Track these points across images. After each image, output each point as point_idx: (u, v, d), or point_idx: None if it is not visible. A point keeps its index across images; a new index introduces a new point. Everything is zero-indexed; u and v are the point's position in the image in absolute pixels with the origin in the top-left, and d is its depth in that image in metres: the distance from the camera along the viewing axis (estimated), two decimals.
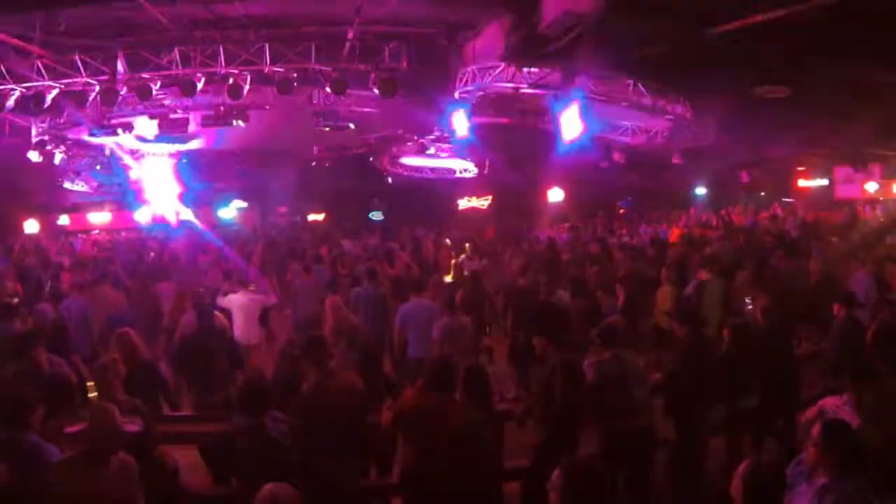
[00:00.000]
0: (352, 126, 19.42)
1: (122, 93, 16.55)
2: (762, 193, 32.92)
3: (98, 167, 29.34)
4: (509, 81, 16.40)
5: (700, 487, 9.03)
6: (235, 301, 14.31)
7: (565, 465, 5.33)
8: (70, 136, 23.66)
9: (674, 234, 22.97)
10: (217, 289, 15.22)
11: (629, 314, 12.62)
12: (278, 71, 15.99)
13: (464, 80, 17.38)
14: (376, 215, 37.83)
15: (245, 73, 16.01)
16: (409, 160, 31.05)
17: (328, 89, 16.27)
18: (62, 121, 20.95)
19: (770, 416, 10.33)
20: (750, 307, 13.64)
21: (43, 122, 20.75)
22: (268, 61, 15.75)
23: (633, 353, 9.93)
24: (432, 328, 12.36)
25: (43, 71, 16.10)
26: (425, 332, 12.52)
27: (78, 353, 13.53)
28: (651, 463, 8.96)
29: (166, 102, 17.84)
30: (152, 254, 22.87)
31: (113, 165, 29.60)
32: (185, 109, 18.44)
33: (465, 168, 31.84)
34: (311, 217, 39.09)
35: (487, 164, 29.81)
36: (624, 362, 9.28)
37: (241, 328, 14.07)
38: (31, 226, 33.76)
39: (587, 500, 5.13)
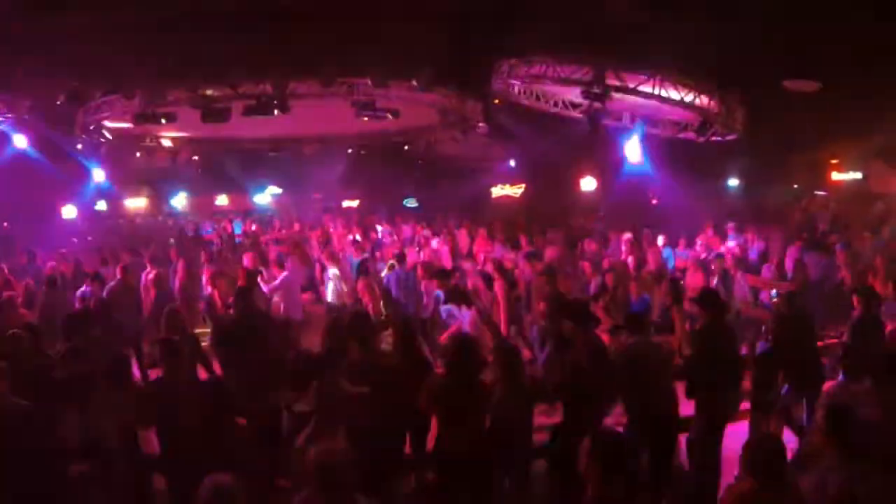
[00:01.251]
0: (390, 116, 19.67)
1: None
2: (795, 186, 32.88)
3: (138, 154, 29.61)
4: (541, 76, 16.70)
5: (719, 470, 9.39)
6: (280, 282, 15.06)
7: (595, 433, 5.70)
8: (112, 125, 24.07)
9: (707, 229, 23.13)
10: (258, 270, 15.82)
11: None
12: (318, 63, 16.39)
13: (499, 71, 17.73)
14: (410, 202, 37.95)
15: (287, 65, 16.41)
16: (445, 149, 31.17)
17: (369, 81, 16.55)
18: (107, 112, 21.30)
19: (792, 401, 10.72)
20: (775, 299, 14.00)
21: (87, 111, 21.07)
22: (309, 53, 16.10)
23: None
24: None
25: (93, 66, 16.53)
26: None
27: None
28: (674, 444, 9.28)
29: (208, 92, 18.12)
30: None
31: (151, 154, 29.98)
32: (227, 99, 18.76)
33: (498, 156, 31.96)
34: (346, 203, 39.30)
35: (521, 152, 29.97)
36: (649, 346, 9.69)
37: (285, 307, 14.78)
38: (69, 211, 34.12)
39: (613, 464, 5.47)
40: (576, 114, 19.54)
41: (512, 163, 32.04)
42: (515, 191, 35.38)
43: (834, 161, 29.58)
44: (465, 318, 13.10)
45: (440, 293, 14.19)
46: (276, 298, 15.56)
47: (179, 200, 38.46)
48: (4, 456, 6.51)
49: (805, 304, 12.36)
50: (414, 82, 16.71)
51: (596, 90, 15.84)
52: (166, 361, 8.71)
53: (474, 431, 7.95)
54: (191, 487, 6.47)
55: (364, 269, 17.00)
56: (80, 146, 24.46)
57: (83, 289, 15.68)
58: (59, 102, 17.44)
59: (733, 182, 31.60)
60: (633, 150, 17.68)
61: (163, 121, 19.08)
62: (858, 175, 29.18)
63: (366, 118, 19.41)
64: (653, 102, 17.35)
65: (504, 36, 17.07)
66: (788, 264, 16.86)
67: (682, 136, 19.94)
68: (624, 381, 9.28)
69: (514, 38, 17.00)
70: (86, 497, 5.27)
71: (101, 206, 37.60)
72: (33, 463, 6.22)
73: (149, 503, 7.99)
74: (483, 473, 7.89)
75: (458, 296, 13.46)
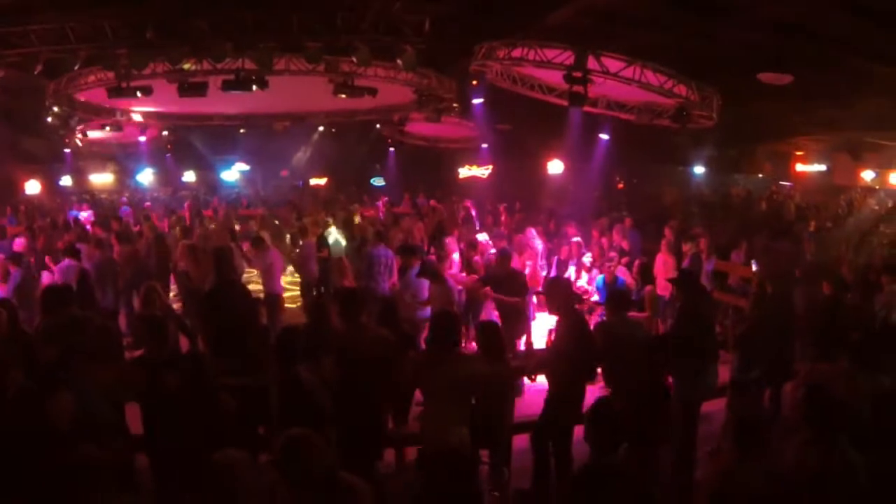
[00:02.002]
0: (368, 94, 19.69)
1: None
2: (760, 175, 33.27)
3: (107, 129, 29.38)
4: (522, 59, 16.81)
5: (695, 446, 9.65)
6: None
7: (595, 401, 5.86)
8: (83, 99, 23.94)
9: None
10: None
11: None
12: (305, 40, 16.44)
13: (479, 54, 17.83)
14: (378, 181, 37.98)
15: (272, 42, 16.43)
16: (415, 129, 31.21)
17: (354, 59, 16.56)
18: (78, 83, 21.16)
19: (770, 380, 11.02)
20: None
21: (58, 84, 20.92)
22: (295, 30, 16.13)
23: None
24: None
25: (71, 35, 16.43)
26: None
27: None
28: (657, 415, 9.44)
29: (186, 66, 18.04)
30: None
31: (121, 128, 29.77)
32: (205, 74, 18.69)
33: (467, 137, 32.01)
34: (314, 182, 39.24)
35: (491, 133, 30.09)
36: (629, 324, 9.94)
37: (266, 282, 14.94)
38: (33, 186, 33.87)
39: (609, 429, 5.62)
40: (553, 98, 19.64)
41: (485, 145, 32.12)
42: (483, 172, 35.43)
43: (799, 153, 29.89)
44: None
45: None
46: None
47: (145, 176, 38.21)
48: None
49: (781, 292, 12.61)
50: (399, 62, 16.73)
51: (577, 74, 15.96)
52: (150, 337, 8.76)
53: (457, 407, 8.05)
54: (175, 466, 6.56)
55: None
56: (49, 119, 24.22)
57: (65, 262, 15.61)
58: (36, 72, 17.23)
59: (699, 170, 31.82)
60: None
61: (138, 94, 18.94)
62: (823, 167, 29.49)
63: (343, 96, 19.37)
64: (627, 88, 17.48)
65: (484, 17, 17.25)
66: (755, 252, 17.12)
67: (657, 123, 20.02)
68: (606, 356, 9.47)
69: (493, 20, 17.19)
70: (84, 480, 5.24)
71: (66, 181, 37.35)
72: (33, 448, 6.15)
73: (134, 481, 7.99)
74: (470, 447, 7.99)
75: (430, 272, 13.53)
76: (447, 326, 8.34)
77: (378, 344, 8.55)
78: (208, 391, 7.41)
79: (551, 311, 10.35)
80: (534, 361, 10.59)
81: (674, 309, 13.01)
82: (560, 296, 9.83)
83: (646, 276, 16.71)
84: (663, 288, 15.93)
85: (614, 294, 11.16)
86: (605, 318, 10.95)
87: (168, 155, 37.11)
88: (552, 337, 9.87)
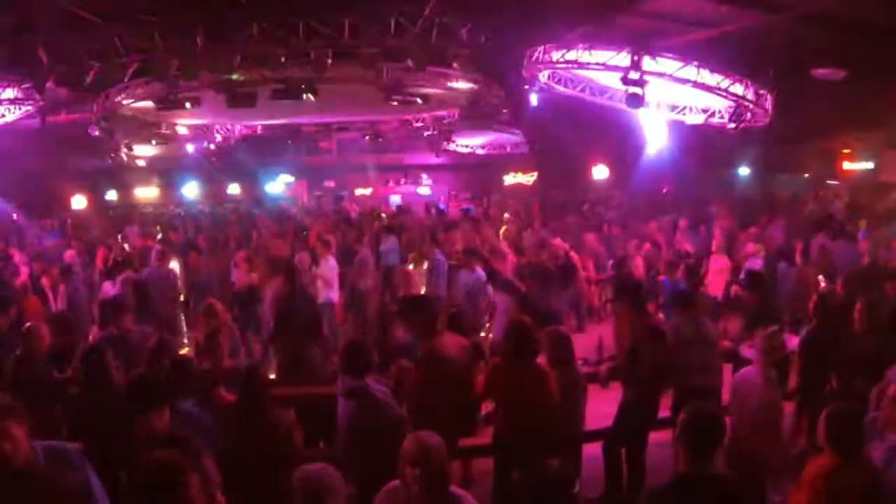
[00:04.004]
0: (419, 101, 19.61)
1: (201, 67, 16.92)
2: (806, 175, 32.87)
3: (153, 142, 29.52)
4: (577, 61, 16.68)
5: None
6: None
7: (689, 408, 5.66)
8: (130, 112, 24.02)
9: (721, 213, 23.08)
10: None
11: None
12: (358, 46, 16.38)
13: (532, 58, 17.69)
14: (424, 190, 37.93)
15: (326, 48, 16.35)
16: (462, 136, 31.17)
17: (409, 63, 16.46)
18: (124, 96, 21.23)
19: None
20: (823, 284, 14.01)
21: (105, 97, 20.98)
22: (347, 36, 16.08)
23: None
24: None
25: (120, 46, 16.46)
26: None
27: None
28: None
29: (233, 77, 18.03)
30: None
31: (167, 141, 29.87)
32: (253, 84, 18.70)
33: (514, 144, 31.90)
34: (359, 191, 39.24)
35: (538, 140, 29.93)
36: (698, 324, 9.71)
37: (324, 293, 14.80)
38: (79, 201, 34.04)
39: (707, 439, 5.42)
40: (605, 100, 19.49)
41: (529, 151, 31.98)
42: (528, 178, 35.31)
43: (846, 151, 29.50)
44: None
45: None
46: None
47: (191, 189, 38.33)
48: None
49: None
50: (455, 65, 16.64)
51: (634, 76, 15.79)
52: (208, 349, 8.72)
53: (535, 416, 7.89)
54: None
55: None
56: (96, 133, 24.32)
57: (124, 275, 15.60)
58: (85, 85, 17.28)
59: (744, 171, 31.47)
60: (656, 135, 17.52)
61: (187, 105, 18.95)
62: (870, 165, 29.08)
63: (395, 102, 19.29)
64: (680, 89, 17.32)
65: (537, 20, 17.11)
66: (813, 251, 16.84)
67: (711, 123, 19.80)
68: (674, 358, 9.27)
69: (547, 22, 17.05)
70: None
71: (112, 195, 37.55)
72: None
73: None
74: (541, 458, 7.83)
75: (501, 281, 13.36)
76: (526, 337, 8.17)
77: (459, 353, 8.42)
78: (265, 405, 7.23)
79: (623, 315, 10.13)
80: (607, 368, 10.38)
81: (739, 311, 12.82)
82: (632, 298, 9.63)
83: (693, 277, 16.42)
84: (715, 289, 15.71)
85: (681, 294, 10.94)
86: (671, 318, 10.73)
87: (213, 168, 37.33)
88: (626, 342, 9.68)
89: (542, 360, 8.41)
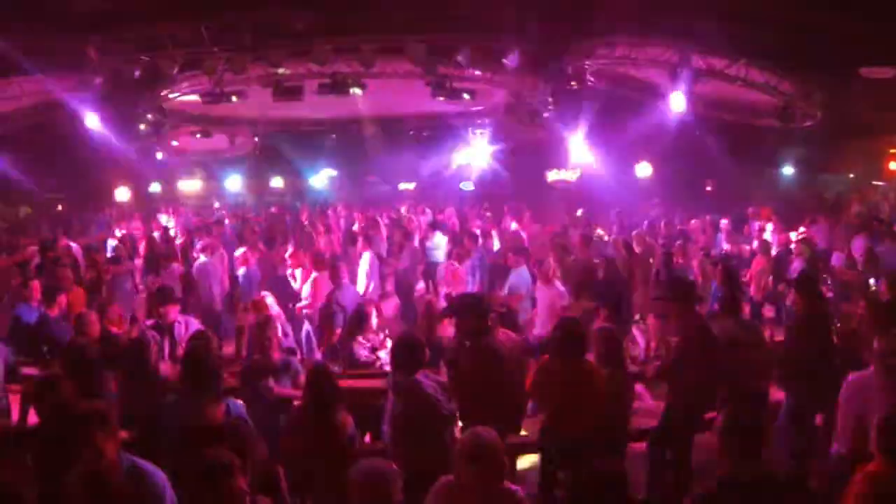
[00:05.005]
0: (466, 96, 19.58)
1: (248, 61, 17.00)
2: (850, 175, 32.59)
3: (197, 136, 29.69)
4: (626, 57, 16.63)
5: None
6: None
7: (730, 408, 5.60)
8: (174, 104, 24.16)
9: (763, 213, 22.86)
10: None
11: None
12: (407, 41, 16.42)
13: (579, 53, 17.64)
14: (467, 185, 37.76)
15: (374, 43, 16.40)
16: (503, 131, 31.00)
17: (459, 59, 16.45)
18: (172, 89, 21.37)
19: None
20: (874, 287, 13.85)
21: (151, 90, 21.10)
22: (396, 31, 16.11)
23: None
24: None
25: (169, 42, 16.54)
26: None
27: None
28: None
29: (280, 71, 18.08)
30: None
31: (210, 135, 30.01)
32: (300, 77, 18.74)
33: (558, 140, 31.72)
34: (402, 186, 39.37)
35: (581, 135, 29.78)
36: (747, 326, 9.64)
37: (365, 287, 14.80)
38: (123, 193, 34.25)
39: (751, 439, 5.37)
40: (650, 98, 19.40)
41: (574, 147, 31.77)
42: (571, 175, 35.13)
43: (893, 150, 29.19)
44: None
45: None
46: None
47: (233, 182, 38.44)
48: None
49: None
50: (505, 61, 16.61)
51: (682, 73, 15.72)
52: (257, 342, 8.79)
53: (583, 415, 7.87)
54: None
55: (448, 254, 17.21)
56: (141, 127, 24.48)
57: (171, 266, 15.73)
58: (134, 79, 17.39)
59: (788, 170, 31.23)
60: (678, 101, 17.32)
61: (233, 98, 19.03)
62: None
63: (441, 98, 19.27)
64: (726, 86, 17.23)
65: (584, 17, 17.03)
66: (856, 254, 16.65)
67: (755, 122, 19.66)
68: (725, 361, 9.18)
69: (594, 19, 16.97)
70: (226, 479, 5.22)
71: (155, 188, 37.74)
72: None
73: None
74: (589, 457, 7.79)
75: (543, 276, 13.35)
76: (575, 335, 8.15)
77: (512, 349, 8.44)
78: (333, 406, 7.23)
79: (671, 314, 10.02)
80: (654, 368, 10.31)
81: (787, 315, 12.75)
82: (682, 298, 9.55)
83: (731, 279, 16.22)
84: (757, 290, 15.57)
85: (728, 296, 10.83)
86: (720, 320, 10.62)
87: (256, 161, 37.47)
88: (673, 342, 9.62)
89: (591, 358, 8.41)
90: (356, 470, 5.22)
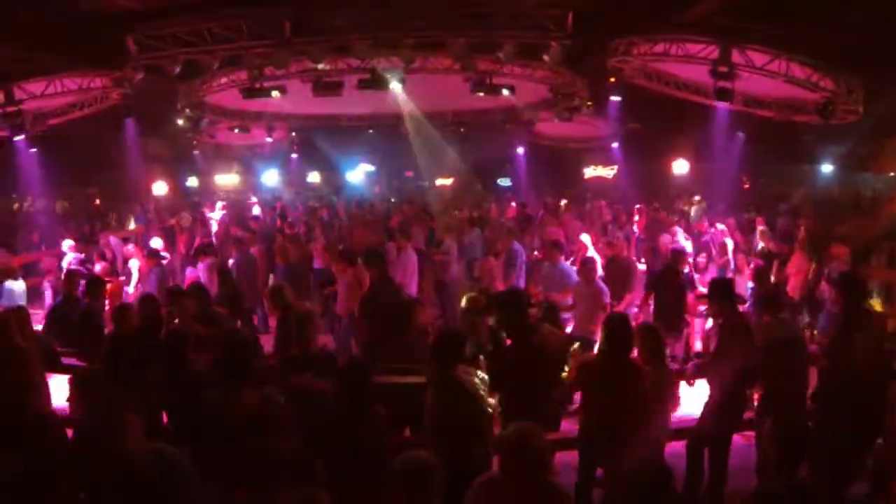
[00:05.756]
0: (506, 92, 19.57)
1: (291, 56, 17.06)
2: (892, 174, 32.28)
3: (236, 131, 29.86)
4: (664, 54, 16.55)
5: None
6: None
7: (779, 418, 5.55)
8: (212, 100, 24.30)
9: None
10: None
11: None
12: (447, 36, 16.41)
13: (618, 50, 17.58)
14: (504, 182, 37.71)
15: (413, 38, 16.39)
16: (544, 128, 31.00)
17: (500, 55, 16.45)
18: (211, 85, 21.50)
19: None
20: None
21: (191, 86, 21.23)
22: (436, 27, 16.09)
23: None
24: None
25: (209, 37, 16.62)
26: None
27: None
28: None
29: (319, 66, 18.13)
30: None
31: (248, 129, 30.16)
32: (340, 72, 18.79)
33: (596, 137, 31.74)
34: (439, 182, 39.29)
35: (620, 133, 29.73)
36: (788, 326, 9.54)
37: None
38: (160, 187, 34.50)
39: (798, 451, 5.32)
40: (689, 94, 19.30)
41: (615, 144, 31.72)
42: (608, 172, 35.09)
43: None
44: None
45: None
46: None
47: (270, 177, 38.59)
48: None
49: None
50: (546, 58, 16.58)
51: (722, 69, 15.62)
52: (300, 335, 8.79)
53: (625, 412, 7.83)
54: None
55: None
56: (180, 122, 24.68)
57: (207, 260, 15.79)
58: (173, 75, 17.48)
59: (826, 168, 30.94)
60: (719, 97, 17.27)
61: (273, 94, 19.12)
62: None
63: (481, 94, 19.27)
64: (766, 83, 17.10)
65: (622, 12, 16.99)
66: None
67: (796, 119, 19.51)
68: (763, 360, 9.10)
69: (633, 15, 16.92)
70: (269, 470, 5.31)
71: (192, 182, 37.97)
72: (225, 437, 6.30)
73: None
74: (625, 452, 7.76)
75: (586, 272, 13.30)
76: (621, 332, 8.12)
77: (557, 345, 8.42)
78: (367, 402, 7.21)
79: (713, 313, 9.98)
80: (694, 366, 10.23)
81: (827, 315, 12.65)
82: (723, 297, 9.49)
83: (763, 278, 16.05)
84: (795, 289, 15.42)
85: (771, 294, 10.76)
86: (761, 319, 10.52)
87: (293, 156, 37.65)
88: (713, 340, 9.57)
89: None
90: (399, 460, 5.23)
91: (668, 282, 13.58)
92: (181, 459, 5.55)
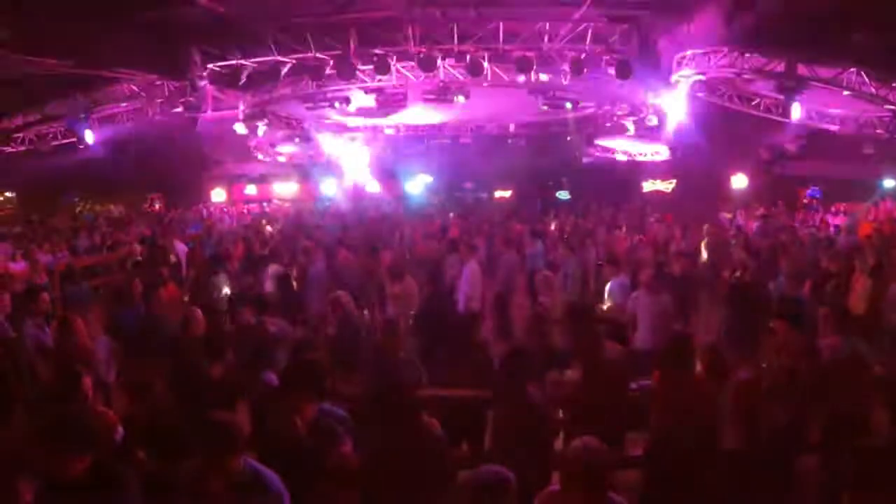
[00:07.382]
0: (569, 105, 19.58)
1: (357, 67, 17.15)
2: None
3: (296, 140, 30.06)
4: (731, 67, 16.45)
5: None
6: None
7: (858, 448, 5.48)
8: (276, 109, 24.49)
9: (864, 229, 22.37)
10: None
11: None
12: (512, 50, 16.48)
13: (681, 63, 17.51)
14: (563, 195, 37.69)
15: (481, 50, 16.48)
16: (605, 142, 31.02)
17: (566, 68, 16.47)
18: (272, 95, 21.66)
19: None
20: None
21: (253, 95, 21.41)
22: (501, 40, 16.20)
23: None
24: None
25: (274, 47, 16.77)
26: None
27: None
28: None
29: (381, 79, 18.22)
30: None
31: (309, 139, 30.34)
32: (403, 85, 18.88)
33: (655, 151, 31.64)
34: (498, 194, 39.34)
35: (679, 147, 29.60)
36: (855, 347, 9.41)
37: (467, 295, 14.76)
38: (219, 195, 34.82)
39: (883, 483, 5.22)
40: (751, 109, 19.19)
41: (668, 156, 31.60)
42: (666, 186, 34.96)
43: None
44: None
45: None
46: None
47: (329, 186, 38.76)
48: None
49: None
50: (611, 71, 16.60)
51: (789, 83, 15.51)
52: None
53: (691, 430, 7.79)
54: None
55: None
56: (241, 131, 24.89)
57: (271, 268, 15.86)
58: (240, 84, 17.65)
59: (889, 183, 30.54)
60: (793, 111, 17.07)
61: (336, 105, 19.25)
62: None
63: (545, 107, 19.29)
64: (832, 96, 16.98)
65: (688, 27, 16.90)
66: None
67: (863, 132, 19.32)
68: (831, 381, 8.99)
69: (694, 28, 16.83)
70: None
71: (251, 190, 38.32)
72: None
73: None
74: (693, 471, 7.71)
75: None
76: (686, 350, 8.08)
77: (622, 362, 8.41)
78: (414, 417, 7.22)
79: (779, 332, 9.88)
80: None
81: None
82: (791, 316, 9.40)
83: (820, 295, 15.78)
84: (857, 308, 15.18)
85: (839, 314, 10.61)
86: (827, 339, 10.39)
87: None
88: (779, 360, 9.46)
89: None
90: (475, 475, 5.22)
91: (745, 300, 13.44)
92: (276, 483, 5.59)
